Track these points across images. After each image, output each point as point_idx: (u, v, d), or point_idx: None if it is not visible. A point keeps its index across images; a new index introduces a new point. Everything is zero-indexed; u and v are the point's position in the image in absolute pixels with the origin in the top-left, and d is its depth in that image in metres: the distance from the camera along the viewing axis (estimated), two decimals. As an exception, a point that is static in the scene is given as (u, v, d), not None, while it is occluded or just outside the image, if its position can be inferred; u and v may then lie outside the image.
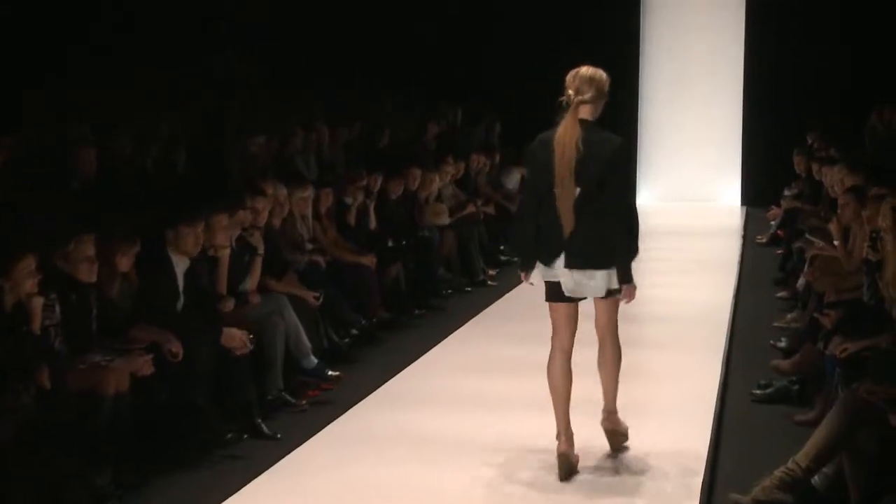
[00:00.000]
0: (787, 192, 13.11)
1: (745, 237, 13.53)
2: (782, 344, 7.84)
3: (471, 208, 11.22)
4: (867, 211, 6.60)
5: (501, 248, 11.99)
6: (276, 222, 7.64)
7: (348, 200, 8.98)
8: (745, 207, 16.66)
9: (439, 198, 10.79)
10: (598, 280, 5.09)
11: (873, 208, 6.41)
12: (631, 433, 5.66)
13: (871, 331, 5.54)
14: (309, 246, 8.13)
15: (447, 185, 11.17)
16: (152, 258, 5.93)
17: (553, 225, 5.08)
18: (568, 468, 5.13)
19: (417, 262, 9.45)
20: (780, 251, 11.63)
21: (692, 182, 16.10)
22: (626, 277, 5.08)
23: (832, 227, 7.75)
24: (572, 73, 5.20)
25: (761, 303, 9.61)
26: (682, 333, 8.33)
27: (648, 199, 16.31)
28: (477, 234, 11.02)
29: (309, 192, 8.24)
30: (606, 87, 5.20)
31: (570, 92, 5.13)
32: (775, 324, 8.56)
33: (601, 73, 5.20)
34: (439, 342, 8.09)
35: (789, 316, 8.62)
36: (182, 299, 6.09)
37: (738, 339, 8.24)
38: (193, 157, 8.84)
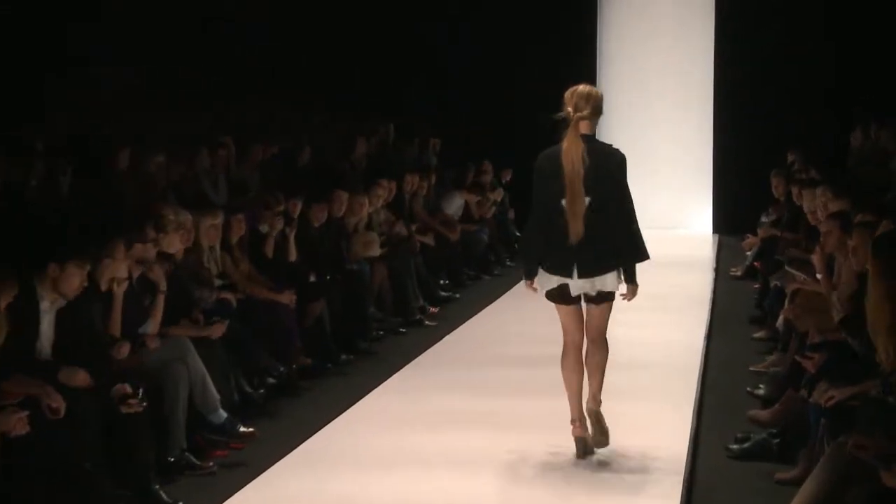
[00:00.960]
0: (764, 219, 13.29)
1: (717, 270, 13.71)
2: (760, 391, 7.90)
3: (401, 230, 11.30)
4: (853, 240, 6.69)
5: (442, 282, 12.01)
6: (179, 255, 7.55)
7: (264, 229, 8.94)
8: (717, 236, 16.90)
9: (369, 225, 10.79)
10: (608, 282, 6.34)
11: (860, 237, 6.49)
12: (590, 498, 5.87)
13: (860, 376, 5.59)
14: (218, 281, 8.06)
15: (378, 210, 11.17)
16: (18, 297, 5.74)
17: (562, 235, 6.28)
18: (584, 448, 6.49)
19: (344, 300, 9.42)
20: (756, 285, 11.76)
21: (658, 208, 16.26)
22: (630, 278, 6.37)
23: (815, 257, 7.82)
24: (570, 91, 6.40)
25: (736, 344, 9.70)
26: (648, 380, 8.36)
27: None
28: (413, 267, 11.03)
29: (218, 220, 8.16)
30: (602, 104, 6.43)
31: (570, 109, 6.33)
32: (752, 368, 8.64)
33: (597, 91, 6.46)
34: (369, 392, 8.04)
35: (768, 359, 8.70)
36: (49, 345, 5.90)
37: (710, 387, 8.28)
38: (80, 178, 8.71)
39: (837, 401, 5.60)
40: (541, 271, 6.42)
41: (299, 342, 8.49)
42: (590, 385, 6.58)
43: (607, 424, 6.59)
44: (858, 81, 15.81)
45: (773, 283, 9.71)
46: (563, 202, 6.26)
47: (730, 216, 16.77)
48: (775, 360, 8.47)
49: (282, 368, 8.00)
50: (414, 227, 11.78)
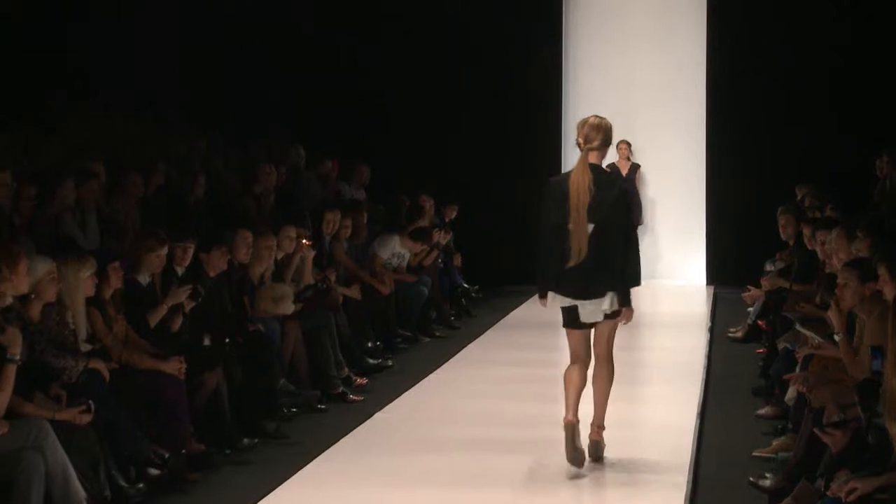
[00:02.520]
0: (769, 267, 13.40)
1: (712, 330, 13.83)
2: (766, 482, 7.89)
3: (320, 280, 11.26)
4: (877, 288, 6.76)
5: (370, 345, 11.98)
6: (35, 313, 7.46)
7: (145, 280, 8.89)
8: (712, 288, 17.08)
9: (279, 275, 10.75)
10: (606, 303, 8.13)
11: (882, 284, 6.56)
12: None
13: (887, 463, 5.60)
14: (86, 346, 7.97)
15: (291, 256, 11.12)
16: None
17: (565, 257, 8.12)
18: (573, 438, 7.99)
19: (248, 369, 9.36)
20: (760, 350, 11.84)
21: (641, 256, 16.39)
22: (624, 301, 8.16)
23: (831, 314, 7.89)
24: (581, 121, 8.34)
25: (736, 423, 9.74)
26: (630, 472, 8.32)
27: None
28: (335, 328, 10.98)
29: (88, 269, 8.08)
30: (611, 134, 8.31)
31: (580, 140, 8.24)
32: (756, 453, 8.67)
33: (607, 122, 8.30)
34: (278, 486, 7.97)
35: (775, 442, 8.73)
36: None
37: (705, 478, 8.28)
38: None
39: (861, 494, 5.61)
40: (550, 292, 8.25)
41: (189, 423, 8.40)
42: (594, 412, 8.34)
43: (605, 454, 8.33)
44: (883, 96, 16.14)
45: (782, 346, 9.77)
46: (570, 227, 8.11)
47: (727, 264, 16.96)
48: (784, 444, 8.50)
49: (167, 456, 7.92)
50: (334, 277, 11.76)
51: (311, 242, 11.37)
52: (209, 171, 12.86)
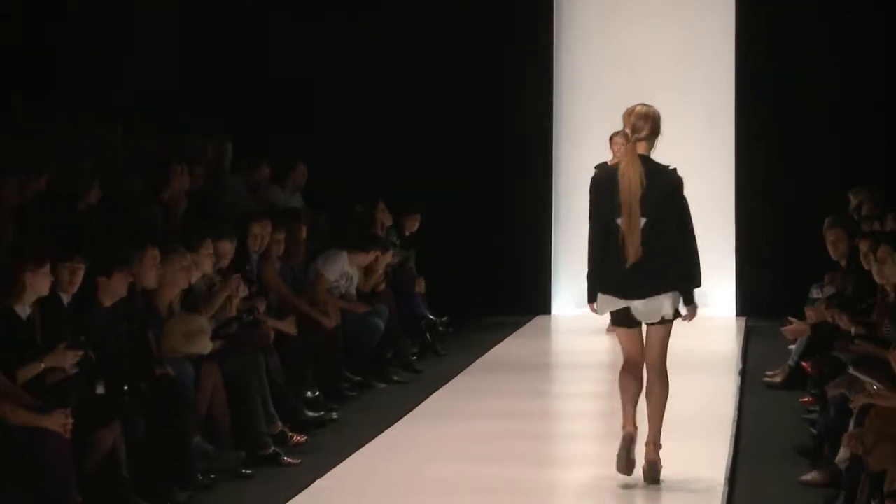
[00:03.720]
0: (815, 294, 13.40)
1: (745, 373, 13.85)
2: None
3: (246, 311, 11.21)
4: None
5: (310, 394, 11.93)
6: None
7: (22, 311, 8.84)
8: (743, 320, 17.19)
9: (193, 303, 10.69)
10: (665, 304, 9.42)
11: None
12: None
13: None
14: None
15: (209, 279, 11.09)
16: None
17: (618, 255, 9.34)
18: (627, 452, 9.40)
19: (153, 424, 9.27)
20: (805, 398, 11.80)
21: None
22: (689, 299, 9.46)
23: (894, 354, 7.87)
24: (627, 110, 9.59)
25: (774, 490, 9.75)
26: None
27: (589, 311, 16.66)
28: (264, 372, 10.93)
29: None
30: (660, 123, 9.57)
31: (627, 130, 9.52)
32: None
33: (654, 110, 9.58)
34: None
35: (825, 515, 8.72)
36: None
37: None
38: None
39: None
40: (600, 294, 9.50)
41: (77, 492, 8.33)
42: (649, 429, 9.57)
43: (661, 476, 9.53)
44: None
45: (832, 394, 9.75)
46: (619, 221, 9.31)
47: (763, 290, 17.02)
48: (837, 518, 8.48)
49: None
50: (263, 307, 11.73)
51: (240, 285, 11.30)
52: (105, 172, 12.76)
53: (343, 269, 13.42)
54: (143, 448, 9.13)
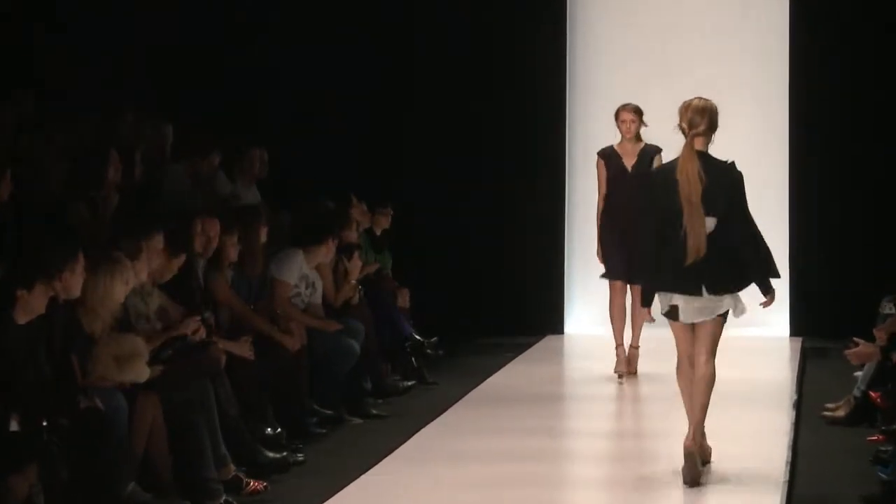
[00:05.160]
0: (887, 310, 13.45)
1: (799, 405, 13.92)
2: None
3: (192, 330, 11.25)
4: None
5: (269, 431, 11.94)
6: None
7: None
8: (799, 341, 17.34)
9: (128, 321, 10.77)
10: (725, 303, 11.03)
11: None
12: None
13: None
14: None
15: (148, 291, 11.18)
16: None
17: (679, 253, 10.86)
18: (694, 466, 10.94)
19: (78, 468, 9.31)
20: (874, 437, 11.88)
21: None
22: (767, 289, 11.07)
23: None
24: (684, 104, 11.04)
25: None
26: None
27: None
28: (214, 404, 10.99)
29: None
30: (717, 118, 11.01)
31: (684, 125, 10.97)
32: None
33: (712, 104, 11.03)
34: None
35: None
36: None
37: None
38: None
39: None
40: (657, 294, 11.13)
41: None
42: (693, 415, 11.12)
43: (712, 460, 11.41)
44: None
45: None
46: (682, 220, 10.83)
47: (822, 307, 17.12)
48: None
49: None
50: (211, 322, 11.80)
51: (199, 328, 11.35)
52: (18, 159, 12.77)
53: (302, 272, 13.50)
54: (64, 497, 9.17)
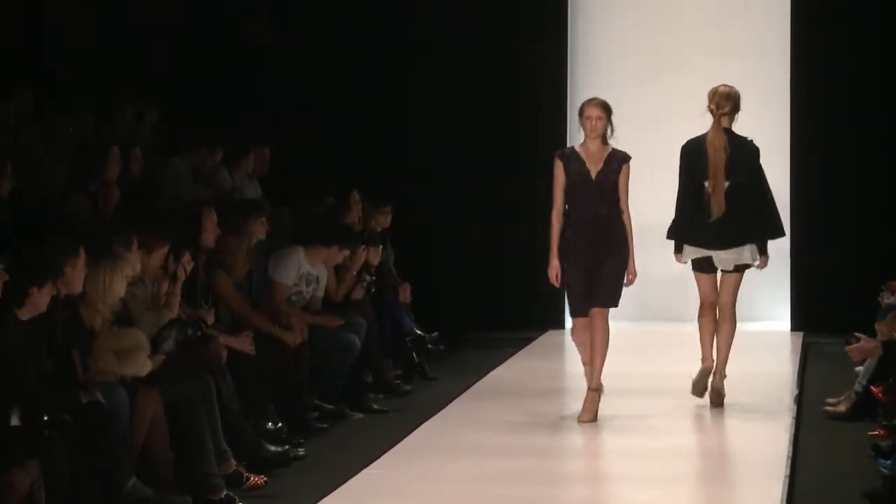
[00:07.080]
0: (887, 298, 13.41)
1: (801, 400, 13.92)
2: None
3: (192, 325, 11.23)
4: None
5: (270, 426, 11.93)
6: None
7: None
8: (800, 336, 17.38)
9: (128, 316, 10.78)
10: (746, 252, 13.62)
11: None
12: None
13: None
14: None
15: (148, 284, 11.16)
16: None
17: (705, 212, 13.43)
18: (705, 382, 13.82)
19: (79, 463, 9.29)
20: (875, 432, 11.88)
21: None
22: (763, 250, 13.68)
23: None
24: (712, 90, 13.66)
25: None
26: None
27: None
28: (215, 399, 10.97)
29: None
30: (740, 101, 13.63)
31: (713, 107, 13.57)
32: None
33: (735, 90, 13.65)
34: None
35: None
36: None
37: None
38: None
39: None
40: (686, 245, 13.67)
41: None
42: (717, 360, 13.70)
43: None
44: None
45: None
46: (707, 184, 13.43)
47: (823, 301, 17.20)
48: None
49: None
50: (212, 319, 11.81)
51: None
52: (18, 154, 12.74)
53: (302, 270, 13.46)
54: (66, 493, 9.15)
